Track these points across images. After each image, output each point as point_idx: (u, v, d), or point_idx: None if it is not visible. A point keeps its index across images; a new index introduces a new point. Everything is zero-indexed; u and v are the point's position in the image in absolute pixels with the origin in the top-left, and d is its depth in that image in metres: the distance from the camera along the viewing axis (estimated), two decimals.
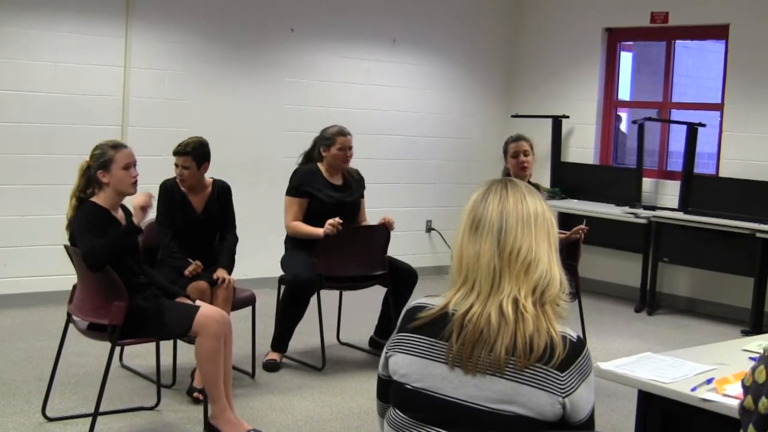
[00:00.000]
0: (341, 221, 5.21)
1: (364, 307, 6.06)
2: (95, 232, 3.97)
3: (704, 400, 2.53)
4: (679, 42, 8.21)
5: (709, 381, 2.64)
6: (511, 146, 5.42)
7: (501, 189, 2.06)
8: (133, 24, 6.81)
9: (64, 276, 4.97)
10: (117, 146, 4.17)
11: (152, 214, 4.63)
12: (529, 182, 5.50)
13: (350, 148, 5.51)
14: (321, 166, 5.51)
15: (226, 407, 4.10)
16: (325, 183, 5.48)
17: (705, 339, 6.11)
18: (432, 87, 8.52)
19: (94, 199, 4.09)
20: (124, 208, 4.26)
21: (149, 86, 6.92)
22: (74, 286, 4.20)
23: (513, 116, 8.68)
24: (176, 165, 4.92)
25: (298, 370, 5.31)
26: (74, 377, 4.87)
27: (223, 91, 7.32)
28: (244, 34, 7.39)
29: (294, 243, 5.45)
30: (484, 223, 2.02)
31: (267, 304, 5.61)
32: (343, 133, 5.49)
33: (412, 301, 2.12)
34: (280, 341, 5.35)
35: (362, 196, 5.71)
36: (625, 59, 9.21)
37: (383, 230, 5.47)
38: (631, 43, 9.43)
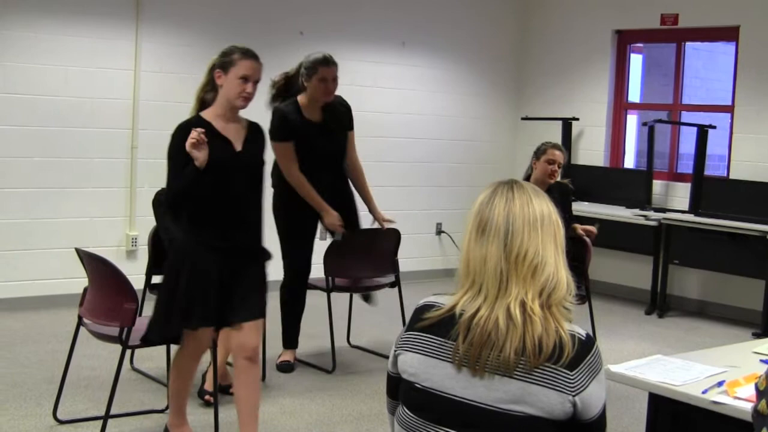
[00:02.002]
0: (345, 230, 5.12)
1: (374, 310, 6.04)
2: (178, 161, 3.66)
3: (715, 402, 2.52)
4: (689, 44, 8.19)
5: (719, 384, 2.63)
6: (549, 151, 5.35)
7: (507, 191, 2.05)
8: (142, 27, 6.83)
9: (75, 279, 4.98)
10: (246, 53, 3.77)
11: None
12: (557, 181, 5.46)
13: (334, 79, 4.89)
14: (300, 99, 4.95)
15: (184, 424, 4.02)
16: (305, 123, 4.92)
17: (716, 341, 6.10)
18: (441, 89, 8.51)
19: (204, 112, 3.81)
20: (251, 124, 3.93)
21: (159, 89, 6.94)
22: (85, 289, 4.21)
23: (523, 119, 8.68)
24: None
25: (308, 373, 5.32)
26: (85, 380, 4.88)
27: None
28: (253, 37, 7.33)
29: (284, 205, 5.04)
30: (490, 225, 2.01)
31: (274, 308, 5.60)
32: (326, 62, 4.86)
33: (422, 300, 2.12)
34: (289, 337, 5.35)
35: (351, 129, 5.14)
36: (635, 61, 9.19)
37: (393, 233, 5.46)
38: (641, 45, 9.41)
